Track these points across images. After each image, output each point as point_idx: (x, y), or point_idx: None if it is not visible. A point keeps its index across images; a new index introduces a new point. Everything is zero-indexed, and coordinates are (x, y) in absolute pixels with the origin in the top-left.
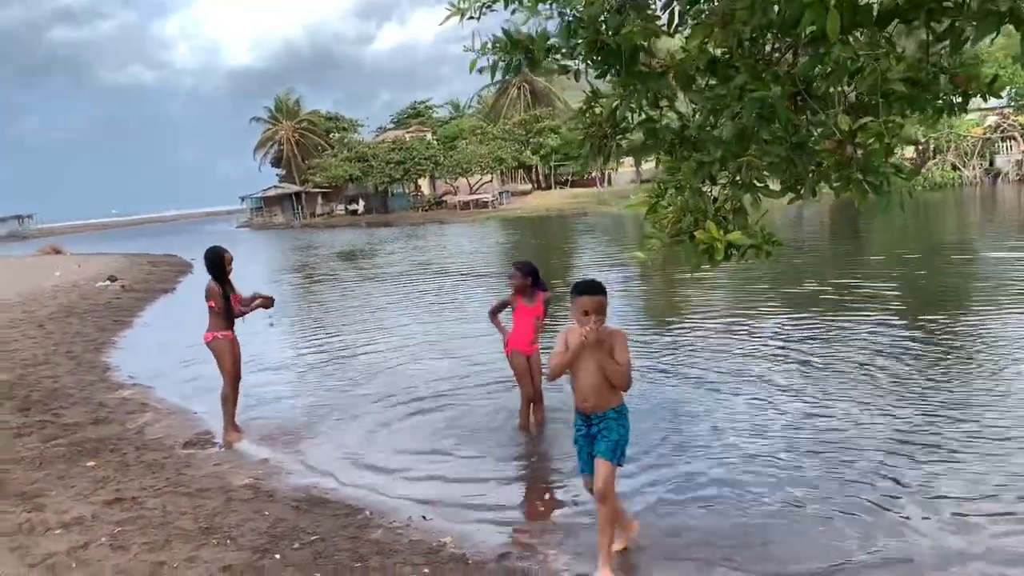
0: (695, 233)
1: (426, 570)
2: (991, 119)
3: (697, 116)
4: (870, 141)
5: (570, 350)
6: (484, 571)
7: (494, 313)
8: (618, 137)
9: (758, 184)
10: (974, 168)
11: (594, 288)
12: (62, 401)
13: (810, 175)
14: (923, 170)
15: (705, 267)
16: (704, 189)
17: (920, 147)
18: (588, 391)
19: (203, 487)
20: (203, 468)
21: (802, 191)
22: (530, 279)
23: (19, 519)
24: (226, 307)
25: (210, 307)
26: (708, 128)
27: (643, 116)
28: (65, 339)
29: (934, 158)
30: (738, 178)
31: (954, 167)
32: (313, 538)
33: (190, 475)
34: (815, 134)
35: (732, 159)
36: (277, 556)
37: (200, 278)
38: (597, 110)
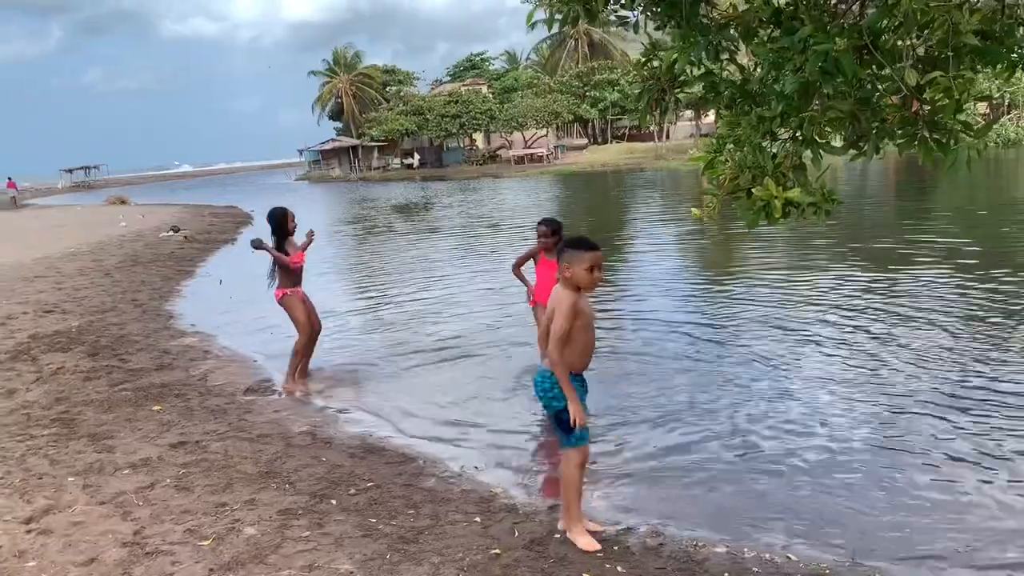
0: (753, 190)
1: (478, 519)
2: None
3: (758, 70)
4: (939, 97)
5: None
6: (535, 521)
7: (517, 266)
8: (676, 91)
9: (820, 140)
10: None
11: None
12: (128, 347)
13: (874, 132)
14: (996, 126)
15: (763, 223)
16: (764, 145)
17: (994, 102)
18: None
19: (263, 433)
20: (263, 414)
21: (865, 148)
22: (556, 236)
23: (90, 459)
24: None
25: (285, 266)
26: (769, 82)
27: (703, 69)
28: (131, 287)
29: (1008, 113)
30: (799, 134)
31: None
32: (368, 485)
33: (251, 421)
34: (880, 89)
35: (794, 114)
36: (333, 501)
37: (261, 231)
38: (656, 63)
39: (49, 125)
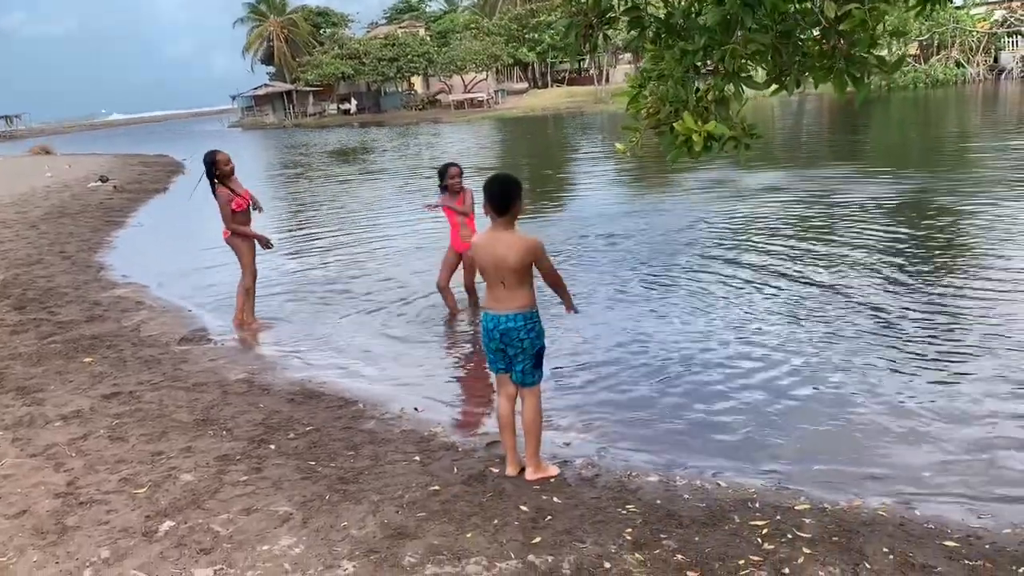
0: (674, 124)
1: (417, 457)
2: (998, 13)
3: (682, 3)
4: (855, 29)
5: None
6: (473, 458)
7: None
8: (604, 27)
9: (742, 74)
10: (978, 65)
11: None
12: (57, 300)
13: (795, 65)
14: (924, 66)
15: (686, 158)
16: (687, 79)
17: (923, 43)
18: None
19: (199, 381)
20: (199, 363)
21: (786, 82)
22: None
23: (19, 412)
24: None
25: (230, 209)
26: (692, 15)
27: (629, 3)
28: (59, 239)
29: (938, 54)
30: (721, 67)
31: (958, 64)
32: (308, 429)
33: (186, 370)
34: (801, 22)
35: (716, 47)
36: (272, 446)
37: (193, 179)
38: None
39: None
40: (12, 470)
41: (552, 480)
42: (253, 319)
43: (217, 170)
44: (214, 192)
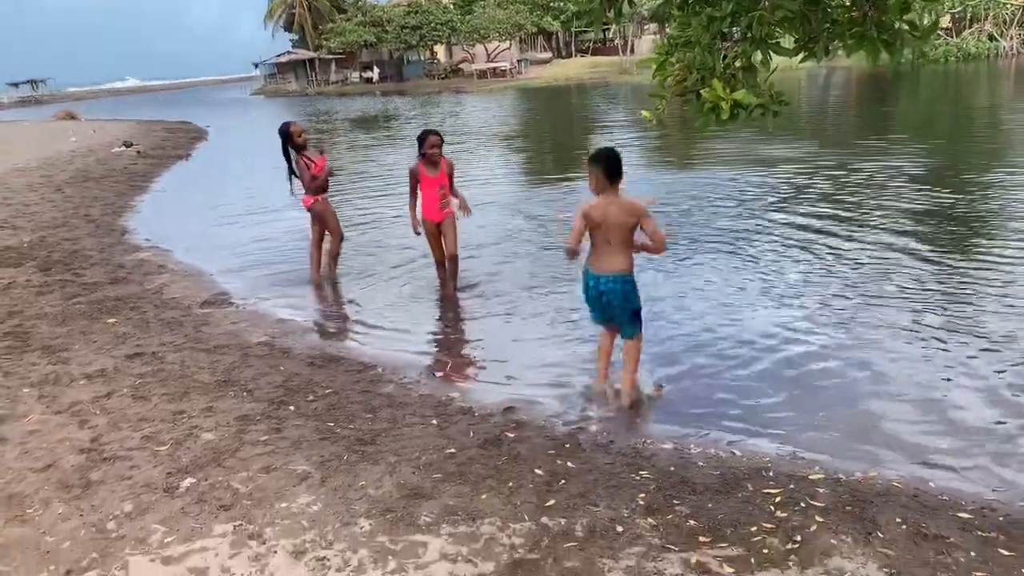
0: (701, 91)
1: (434, 421)
2: None
3: None
4: None
5: None
6: (489, 422)
7: (412, 205)
8: None
9: (770, 41)
10: (1012, 39)
11: None
12: (82, 262)
13: (824, 32)
14: (956, 39)
15: (714, 125)
16: (714, 45)
17: (955, 16)
18: None
19: (220, 344)
20: (220, 326)
21: (815, 49)
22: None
23: (45, 370)
24: (290, 172)
25: (310, 175)
26: None
27: None
28: (83, 203)
29: (970, 27)
30: (749, 34)
31: (991, 37)
32: (327, 392)
33: (208, 333)
34: None
35: (744, 14)
36: (291, 407)
37: (216, 146)
38: None
39: None
40: (38, 426)
41: (566, 447)
42: (331, 273)
43: (292, 141)
44: (290, 162)
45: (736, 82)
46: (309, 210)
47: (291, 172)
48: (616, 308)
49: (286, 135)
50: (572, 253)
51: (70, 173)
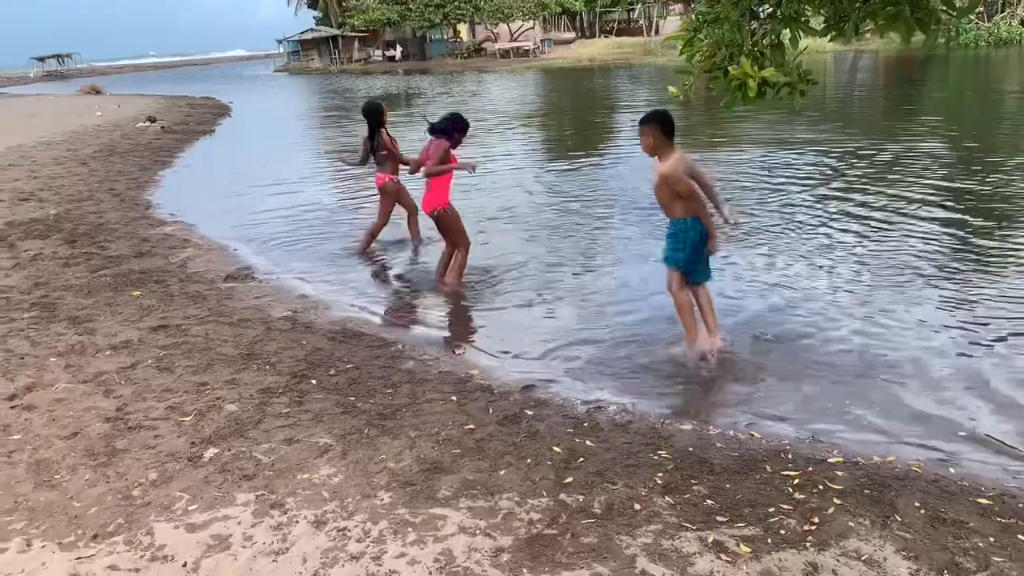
0: (729, 68)
1: (454, 397)
2: None
3: None
4: None
5: None
6: (509, 400)
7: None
8: None
9: (799, 19)
10: None
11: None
12: (107, 235)
13: (855, 11)
14: (988, 24)
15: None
16: (742, 22)
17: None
18: None
19: (244, 317)
20: (244, 300)
21: (845, 28)
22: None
23: (71, 340)
24: (369, 152)
25: (382, 154)
26: None
27: None
28: (108, 177)
29: (1002, 12)
30: (778, 12)
31: (1023, 22)
32: (348, 366)
33: (231, 306)
34: None
35: None
36: (313, 381)
37: (239, 122)
38: None
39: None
40: (65, 395)
41: (584, 426)
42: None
43: (382, 118)
44: (374, 137)
45: (764, 60)
46: (382, 189)
47: (372, 149)
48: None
49: (379, 112)
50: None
51: (95, 147)
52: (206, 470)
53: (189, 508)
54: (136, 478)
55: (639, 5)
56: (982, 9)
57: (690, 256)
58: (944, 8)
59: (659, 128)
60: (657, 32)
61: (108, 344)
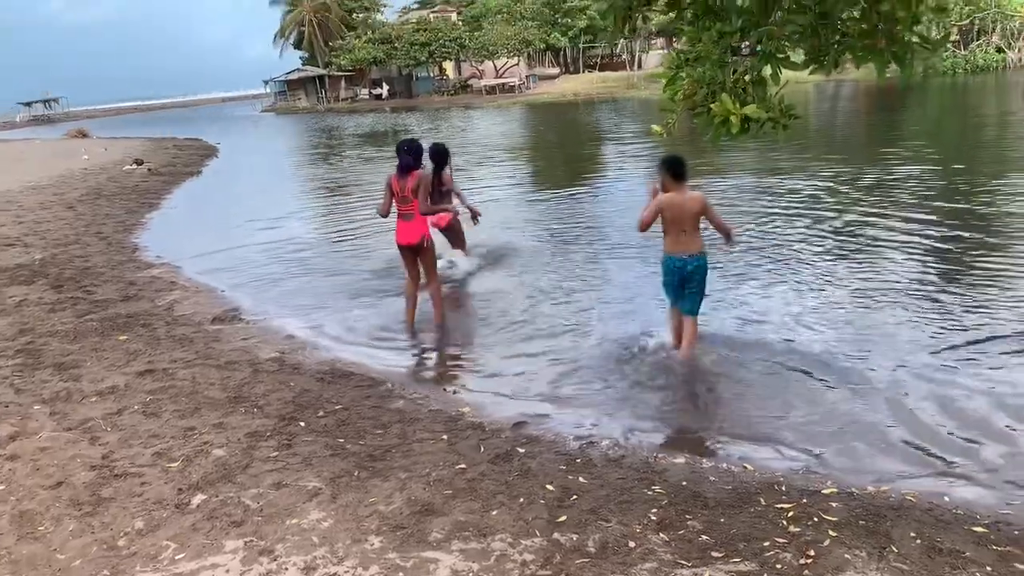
0: (711, 106)
1: (445, 436)
2: None
3: None
4: (895, 8)
5: None
6: (500, 438)
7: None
8: (644, 7)
9: (779, 55)
10: (1020, 51)
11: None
12: (93, 279)
13: (834, 46)
14: (964, 52)
15: (725, 139)
16: (724, 60)
17: (963, 28)
18: None
19: (231, 360)
20: (231, 342)
21: (825, 62)
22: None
23: (57, 387)
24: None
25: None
26: None
27: None
28: (95, 220)
29: (978, 39)
30: (759, 48)
31: (999, 49)
32: (337, 407)
33: (218, 349)
34: (841, 2)
35: (753, 29)
36: (302, 423)
37: (226, 163)
38: None
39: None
40: (49, 443)
41: (577, 462)
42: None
43: (448, 160)
44: (439, 177)
45: (746, 96)
46: (446, 228)
47: (436, 190)
48: (696, 282)
49: (446, 154)
50: (644, 226)
51: (82, 191)
52: (193, 517)
53: (176, 557)
54: (122, 527)
55: (622, 40)
56: (958, 37)
57: (666, 289)
58: (918, 42)
59: (665, 173)
60: (640, 66)
61: (94, 390)
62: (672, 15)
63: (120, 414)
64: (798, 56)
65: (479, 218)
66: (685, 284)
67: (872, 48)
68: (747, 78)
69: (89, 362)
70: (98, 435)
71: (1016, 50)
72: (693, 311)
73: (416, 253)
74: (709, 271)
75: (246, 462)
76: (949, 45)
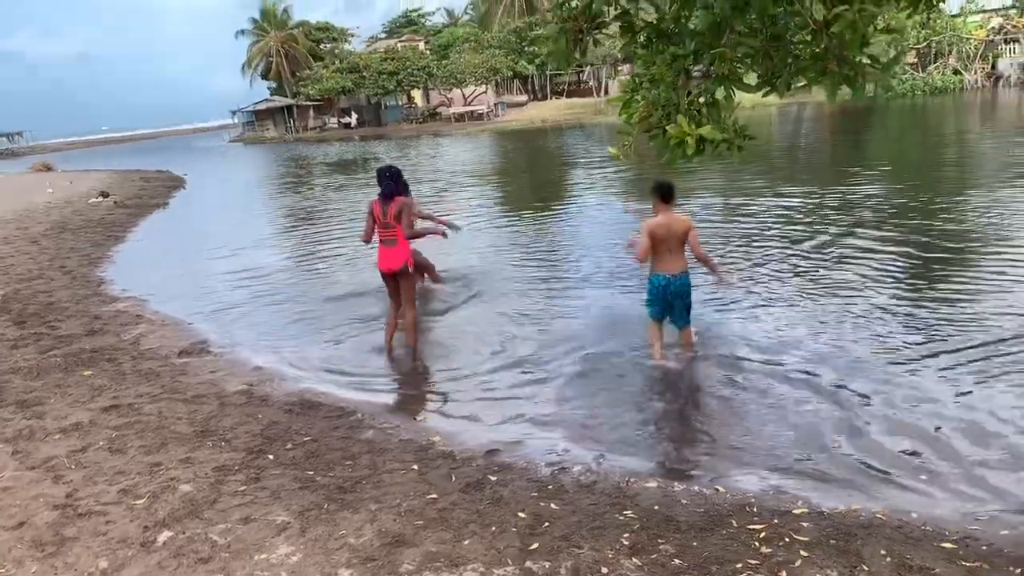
0: (667, 128)
1: (415, 466)
2: (995, 21)
3: (672, 7)
4: (845, 30)
5: None
6: (471, 466)
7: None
8: (595, 31)
9: (733, 77)
10: (976, 72)
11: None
12: (57, 314)
13: (787, 68)
14: (922, 74)
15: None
16: (678, 83)
17: (920, 50)
18: None
19: (198, 393)
20: (198, 375)
21: (777, 84)
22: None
23: (19, 426)
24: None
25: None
26: (683, 20)
27: (619, 10)
28: (59, 254)
29: (935, 61)
30: (712, 71)
31: (955, 71)
32: (306, 439)
33: (185, 382)
34: (792, 25)
35: (706, 51)
36: (270, 456)
37: (193, 194)
38: (573, 3)
39: None
40: (11, 482)
41: (549, 488)
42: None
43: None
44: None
45: (701, 118)
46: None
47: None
48: (682, 298)
49: (399, 174)
50: (644, 256)
51: (46, 225)
52: (159, 555)
53: None
54: (86, 568)
55: (588, 67)
56: (916, 60)
57: (649, 305)
58: (868, 63)
59: (655, 195)
60: (606, 92)
61: (58, 427)
62: (625, 39)
63: (84, 451)
64: (751, 78)
65: (455, 230)
66: (672, 302)
67: (824, 70)
68: (701, 100)
69: (53, 399)
70: (62, 473)
71: (972, 72)
72: (686, 323)
73: (397, 279)
74: (692, 290)
75: (214, 497)
76: (908, 67)
